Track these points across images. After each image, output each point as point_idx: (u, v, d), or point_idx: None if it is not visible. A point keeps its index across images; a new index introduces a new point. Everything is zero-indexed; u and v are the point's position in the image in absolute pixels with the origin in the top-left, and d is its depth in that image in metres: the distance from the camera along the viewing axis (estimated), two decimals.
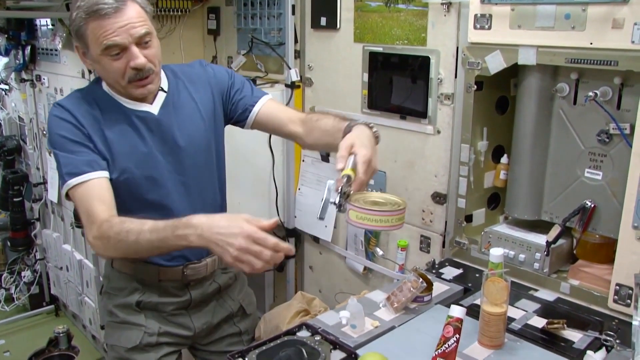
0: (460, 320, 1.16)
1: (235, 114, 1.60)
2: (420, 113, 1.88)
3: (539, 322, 1.38)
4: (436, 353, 1.15)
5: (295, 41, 2.34)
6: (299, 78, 2.35)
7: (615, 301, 1.42)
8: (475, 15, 1.59)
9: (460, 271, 1.70)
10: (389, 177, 2.04)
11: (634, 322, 1.21)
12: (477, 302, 1.37)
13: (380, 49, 1.99)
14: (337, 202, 1.24)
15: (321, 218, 1.31)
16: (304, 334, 1.33)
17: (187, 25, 2.78)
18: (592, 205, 1.51)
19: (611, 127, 1.44)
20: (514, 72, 1.63)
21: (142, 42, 1.35)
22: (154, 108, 1.46)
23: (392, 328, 1.37)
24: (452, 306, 1.18)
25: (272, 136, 2.36)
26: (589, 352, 1.23)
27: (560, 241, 1.58)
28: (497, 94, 1.75)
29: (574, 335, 1.32)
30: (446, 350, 1.14)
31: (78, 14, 1.32)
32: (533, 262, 1.60)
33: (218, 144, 1.59)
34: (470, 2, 1.60)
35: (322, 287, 2.50)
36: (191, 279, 1.58)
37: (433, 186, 1.90)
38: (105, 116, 1.42)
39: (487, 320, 1.25)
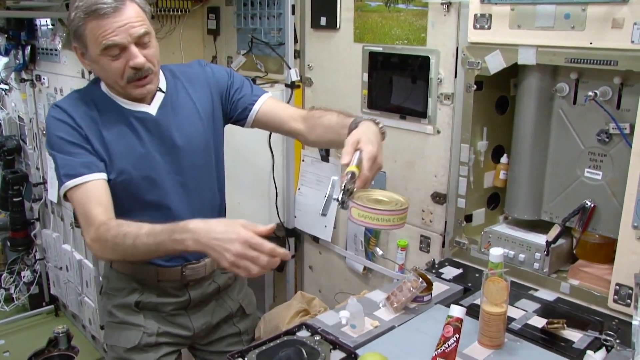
0: (460, 320, 1.16)
1: (235, 113, 1.60)
2: (420, 113, 1.88)
3: (539, 322, 1.38)
4: (436, 353, 1.15)
5: (295, 41, 2.34)
6: (298, 78, 2.35)
7: (615, 301, 1.42)
8: (475, 15, 1.59)
9: (460, 271, 1.70)
10: (389, 177, 2.04)
11: (634, 322, 1.21)
12: (477, 302, 1.37)
13: (380, 49, 1.99)
14: (339, 198, 1.24)
15: (324, 214, 1.31)
16: (303, 333, 1.33)
17: (187, 25, 2.78)
18: (592, 205, 1.51)
19: (611, 127, 1.44)
20: (514, 72, 1.63)
21: (141, 42, 1.35)
22: (152, 108, 1.46)
23: (392, 328, 1.37)
24: (452, 306, 1.18)
25: (272, 136, 2.36)
26: (589, 352, 1.23)
27: (560, 241, 1.58)
28: (497, 94, 1.75)
29: (574, 335, 1.32)
30: (446, 350, 1.14)
31: (77, 14, 1.31)
32: (533, 262, 1.60)
33: (217, 144, 1.59)
34: (470, 2, 1.60)
35: (321, 287, 2.50)
36: (190, 279, 1.58)
37: (433, 186, 1.90)
38: (103, 117, 1.42)
39: (487, 320, 1.25)
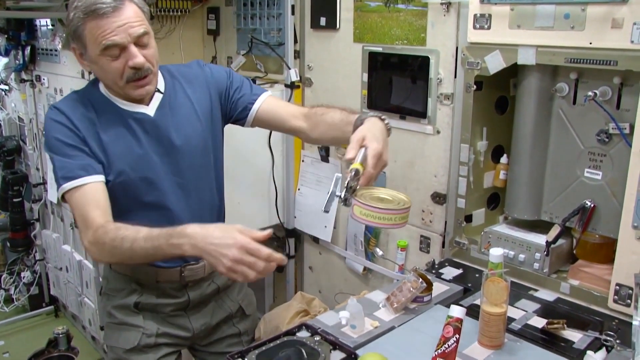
0: (460, 321, 1.16)
1: (235, 112, 1.60)
2: (420, 113, 1.88)
3: (539, 322, 1.38)
4: (436, 353, 1.15)
5: (295, 41, 2.34)
6: (298, 78, 2.35)
7: (615, 301, 1.42)
8: (475, 15, 1.59)
9: (460, 271, 1.70)
10: (388, 177, 2.04)
11: (634, 322, 1.21)
12: (477, 302, 1.37)
13: (379, 49, 1.99)
14: (342, 196, 1.24)
15: (326, 211, 1.32)
16: (303, 334, 1.33)
17: (186, 26, 2.78)
18: (592, 205, 1.51)
19: (611, 127, 1.44)
20: (514, 72, 1.63)
21: (140, 42, 1.35)
22: (150, 110, 1.46)
23: (392, 328, 1.36)
24: (452, 306, 1.18)
25: (272, 136, 2.36)
26: (589, 352, 1.23)
27: (560, 241, 1.58)
28: (497, 94, 1.75)
29: (574, 336, 1.32)
30: (446, 351, 1.14)
31: (76, 14, 1.31)
32: (533, 262, 1.60)
33: (215, 144, 1.59)
34: (469, 2, 1.60)
35: (321, 288, 2.50)
36: (189, 280, 1.58)
37: (433, 186, 1.90)
38: (101, 118, 1.42)
39: (487, 321, 1.25)
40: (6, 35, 2.92)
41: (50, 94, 2.76)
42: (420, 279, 1.41)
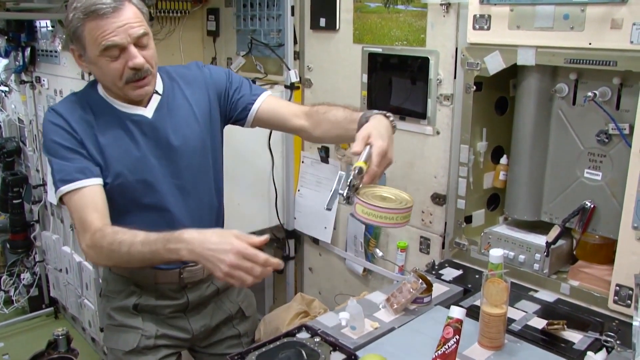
0: (460, 322, 1.16)
1: (235, 112, 1.60)
2: (420, 114, 1.88)
3: (539, 323, 1.38)
4: (436, 354, 1.14)
5: (295, 42, 2.34)
6: (298, 79, 2.35)
7: (615, 302, 1.42)
8: (474, 16, 1.59)
9: (460, 272, 1.70)
10: (388, 178, 2.04)
11: (634, 323, 1.21)
12: (477, 303, 1.36)
13: (379, 50, 1.99)
14: (345, 194, 1.24)
15: (328, 208, 1.32)
16: (303, 335, 1.33)
17: (186, 27, 2.78)
18: (592, 206, 1.51)
19: (610, 128, 1.44)
20: (513, 73, 1.63)
21: (139, 43, 1.35)
22: (148, 111, 1.46)
23: (392, 329, 1.36)
24: (452, 307, 1.18)
25: (272, 137, 2.36)
26: (589, 353, 1.22)
27: (560, 242, 1.58)
28: (497, 95, 1.75)
29: (574, 336, 1.31)
30: (446, 352, 1.14)
31: (75, 15, 1.31)
32: (533, 263, 1.60)
33: (214, 145, 1.58)
34: (469, 3, 1.60)
35: (321, 289, 2.50)
36: (188, 282, 1.57)
37: (432, 187, 1.90)
38: (99, 121, 1.42)
39: (487, 321, 1.24)
40: (6, 37, 2.92)
41: (50, 96, 2.76)
42: (420, 280, 1.41)
